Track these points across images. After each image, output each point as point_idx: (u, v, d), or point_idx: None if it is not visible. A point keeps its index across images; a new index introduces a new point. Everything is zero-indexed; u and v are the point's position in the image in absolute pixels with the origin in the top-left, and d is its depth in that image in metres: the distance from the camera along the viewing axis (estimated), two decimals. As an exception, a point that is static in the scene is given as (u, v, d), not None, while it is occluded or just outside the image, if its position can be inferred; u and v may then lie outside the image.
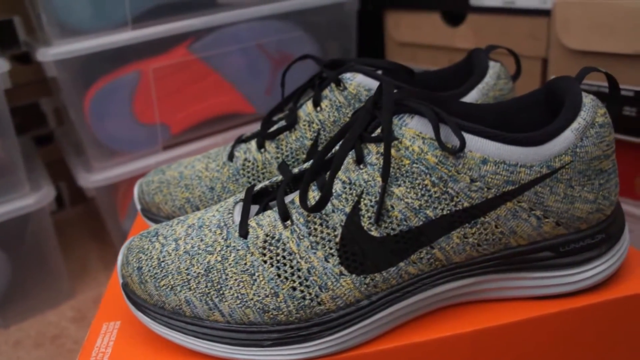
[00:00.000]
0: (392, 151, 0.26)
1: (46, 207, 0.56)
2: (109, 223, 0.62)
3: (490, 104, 0.31)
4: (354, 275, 0.26)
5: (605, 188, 0.27)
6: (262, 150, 0.37)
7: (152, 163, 0.60)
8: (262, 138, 0.37)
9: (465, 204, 0.26)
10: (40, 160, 0.67)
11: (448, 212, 0.26)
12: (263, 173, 0.37)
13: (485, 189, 0.25)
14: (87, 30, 0.54)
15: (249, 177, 0.37)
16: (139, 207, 0.41)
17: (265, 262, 0.27)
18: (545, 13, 0.52)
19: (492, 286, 0.28)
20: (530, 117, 0.30)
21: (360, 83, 0.35)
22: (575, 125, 0.26)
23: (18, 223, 0.55)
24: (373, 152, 0.26)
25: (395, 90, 0.27)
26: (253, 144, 0.38)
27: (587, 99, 0.27)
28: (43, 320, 0.58)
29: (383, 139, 0.25)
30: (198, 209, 0.38)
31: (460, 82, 0.40)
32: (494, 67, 0.37)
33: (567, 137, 0.26)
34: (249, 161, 0.37)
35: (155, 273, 0.29)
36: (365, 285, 0.26)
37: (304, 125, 0.36)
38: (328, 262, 0.26)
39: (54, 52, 0.51)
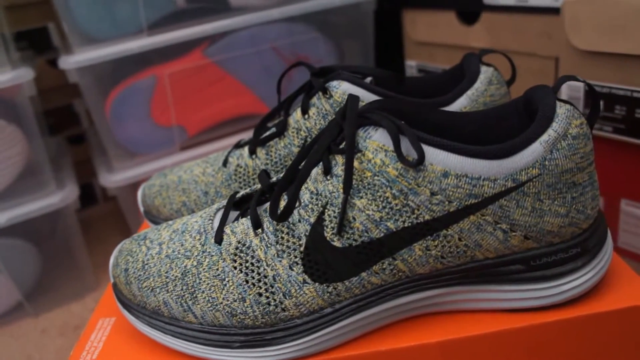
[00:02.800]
0: (356, 163, 0.26)
1: (71, 205, 0.60)
2: (130, 221, 0.65)
3: (471, 113, 0.31)
4: (317, 284, 0.27)
5: (579, 202, 0.27)
6: (254, 156, 0.38)
7: (169, 164, 0.62)
8: (253, 144, 0.38)
9: (427, 217, 0.26)
10: (69, 159, 0.71)
11: (409, 224, 0.26)
12: (254, 179, 0.38)
13: (447, 202, 0.25)
14: (105, 38, 0.56)
15: (240, 183, 0.38)
16: (142, 209, 0.43)
17: (235, 268, 0.28)
18: (557, 11, 0.50)
19: (461, 297, 0.28)
20: (511, 126, 0.30)
21: (346, 91, 0.35)
22: (544, 137, 0.26)
23: (46, 220, 0.59)
24: (339, 164, 0.27)
25: (367, 101, 0.27)
26: (246, 150, 0.39)
27: (561, 110, 0.26)
28: (68, 310, 0.62)
29: (345, 151, 0.26)
30: (194, 212, 0.39)
31: (452, 88, 0.40)
32: (485, 72, 0.36)
33: (534, 149, 0.26)
34: (241, 167, 0.38)
35: (139, 275, 0.30)
36: (328, 294, 0.27)
37: (293, 132, 0.37)
38: (292, 270, 0.27)
39: (74, 60, 0.54)
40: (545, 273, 0.27)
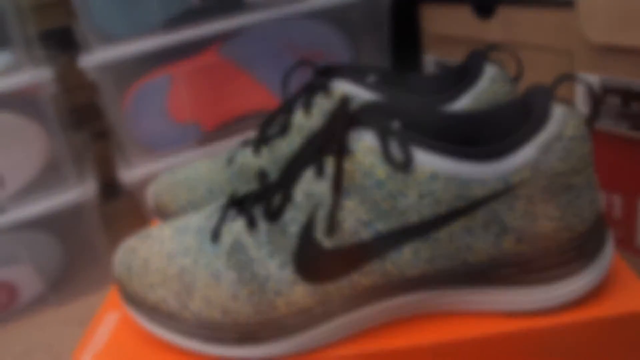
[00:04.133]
0: (347, 164, 0.26)
1: (91, 199, 0.62)
2: (147, 216, 0.67)
3: (469, 112, 0.30)
4: (307, 284, 0.27)
5: (575, 205, 0.26)
6: (257, 154, 0.39)
7: (186, 160, 0.63)
8: (257, 143, 0.39)
9: (416, 219, 0.26)
10: (91, 155, 0.73)
11: (398, 226, 0.26)
12: (256, 178, 0.38)
13: (436, 205, 0.25)
14: (122, 36, 0.58)
15: (243, 181, 0.39)
16: (151, 206, 0.44)
17: (229, 267, 0.28)
18: (572, 4, 0.49)
19: (453, 300, 0.28)
20: (508, 127, 0.29)
21: (345, 90, 0.35)
22: (538, 139, 0.25)
23: (69, 214, 0.61)
24: (331, 165, 0.27)
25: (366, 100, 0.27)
26: (251, 148, 0.39)
27: (557, 110, 0.26)
28: (88, 302, 0.64)
29: (335, 152, 0.26)
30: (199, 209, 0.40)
31: (456, 86, 0.39)
32: (489, 70, 0.36)
33: (526, 151, 0.25)
34: (245, 165, 0.39)
35: (140, 272, 0.31)
36: (318, 294, 0.27)
37: (295, 131, 0.37)
38: (284, 269, 0.27)
39: (91, 59, 0.55)
40: (540, 276, 0.27)
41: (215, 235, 0.30)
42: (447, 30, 0.67)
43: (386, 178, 0.26)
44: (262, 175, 0.33)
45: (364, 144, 0.26)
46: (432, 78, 0.40)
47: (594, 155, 0.27)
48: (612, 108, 0.47)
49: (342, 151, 0.26)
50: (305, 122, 0.37)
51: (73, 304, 0.64)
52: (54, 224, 0.61)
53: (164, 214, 0.43)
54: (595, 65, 0.47)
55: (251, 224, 0.29)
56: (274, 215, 0.27)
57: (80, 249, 0.65)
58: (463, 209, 0.25)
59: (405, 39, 0.79)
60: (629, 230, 0.50)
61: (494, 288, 0.28)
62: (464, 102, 0.35)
